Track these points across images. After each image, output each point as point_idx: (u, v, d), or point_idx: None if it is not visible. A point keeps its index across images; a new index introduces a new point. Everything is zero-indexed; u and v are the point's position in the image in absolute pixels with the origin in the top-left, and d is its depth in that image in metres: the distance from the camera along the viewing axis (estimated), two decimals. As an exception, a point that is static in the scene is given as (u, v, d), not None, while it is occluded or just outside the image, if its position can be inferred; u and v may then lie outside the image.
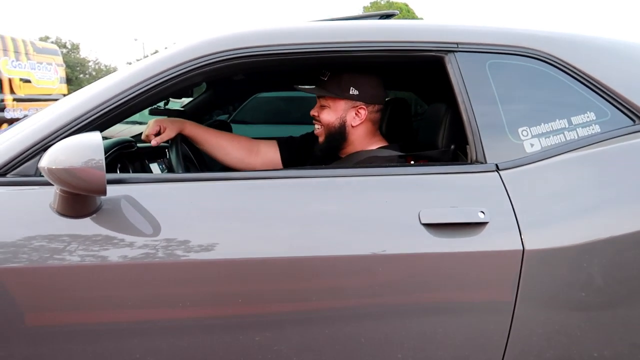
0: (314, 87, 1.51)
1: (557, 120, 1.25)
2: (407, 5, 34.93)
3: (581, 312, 1.16)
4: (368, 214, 1.13)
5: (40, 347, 1.07)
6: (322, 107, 1.51)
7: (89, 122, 1.15)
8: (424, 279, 1.11)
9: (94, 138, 1.00)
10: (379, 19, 1.64)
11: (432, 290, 1.12)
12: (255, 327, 1.12)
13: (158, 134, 1.50)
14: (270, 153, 1.66)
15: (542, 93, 1.28)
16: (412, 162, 1.43)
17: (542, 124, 1.24)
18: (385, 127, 1.77)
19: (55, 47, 8.66)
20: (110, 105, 1.16)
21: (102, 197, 1.08)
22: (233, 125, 4.04)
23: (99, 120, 1.16)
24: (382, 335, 1.12)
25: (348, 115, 1.50)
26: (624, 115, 1.26)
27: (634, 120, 1.26)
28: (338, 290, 1.12)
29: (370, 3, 37.49)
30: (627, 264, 1.15)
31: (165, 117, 2.54)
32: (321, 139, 1.53)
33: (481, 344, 1.14)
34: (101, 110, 1.16)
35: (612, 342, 1.19)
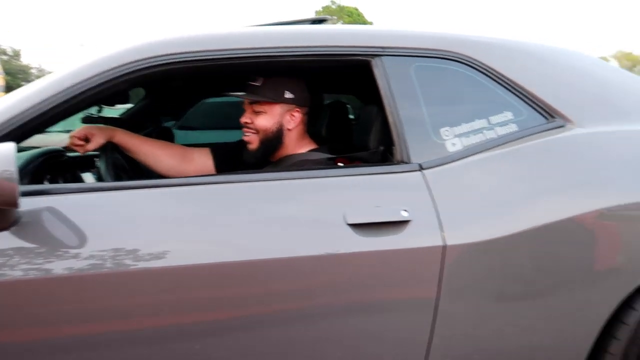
0: (245, 93, 1.51)
1: (477, 120, 1.31)
2: (357, 9, 35.43)
3: (502, 304, 1.22)
4: (295, 217, 1.15)
5: None
6: (257, 112, 1.50)
7: (5, 134, 1.11)
8: (350, 278, 1.14)
9: (6, 148, 0.97)
10: (311, 24, 1.66)
11: (359, 289, 1.15)
12: (189, 336, 1.11)
13: (87, 141, 1.46)
14: (203, 160, 1.65)
15: (463, 94, 1.34)
16: (340, 165, 1.46)
17: (463, 124, 1.29)
18: (325, 130, 1.80)
19: (-8, 54, 8.25)
20: (28, 115, 1.13)
21: (21, 210, 1.04)
22: (180, 132, 3.98)
23: (16, 132, 1.13)
24: (312, 336, 1.14)
25: (284, 120, 1.51)
26: (538, 114, 1.34)
27: (547, 118, 1.34)
28: (267, 295, 1.13)
29: (322, 7, 37.80)
30: (544, 256, 1.22)
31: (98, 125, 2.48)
32: (254, 146, 1.51)
33: (406, 340, 1.18)
34: (18, 121, 1.12)
35: (535, 331, 1.24)
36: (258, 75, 1.49)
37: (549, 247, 1.22)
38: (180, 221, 1.12)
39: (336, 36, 1.36)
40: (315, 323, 1.14)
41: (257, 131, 1.50)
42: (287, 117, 1.51)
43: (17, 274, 1.02)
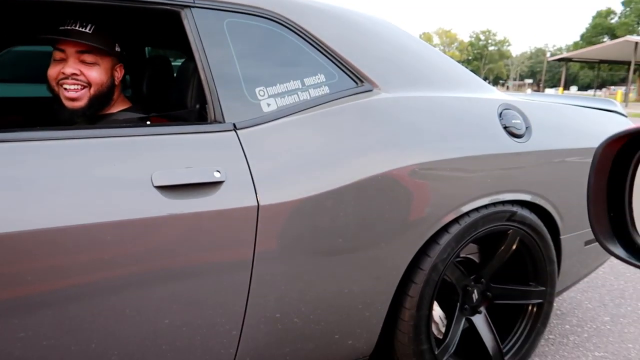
0: (74, 39, 1.30)
1: (292, 81, 1.32)
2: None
3: (316, 260, 1.28)
4: (100, 179, 1.04)
5: None
6: (87, 64, 1.33)
7: None
8: (159, 244, 1.08)
9: None
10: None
11: (170, 255, 1.10)
12: None
13: None
14: None
15: (279, 55, 1.34)
16: (148, 123, 1.37)
17: (278, 84, 1.30)
18: (145, 87, 1.66)
19: None
20: None
21: None
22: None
23: None
24: (124, 307, 1.06)
25: (115, 74, 1.39)
26: (349, 78, 1.41)
27: (356, 83, 1.42)
28: (73, 264, 1.01)
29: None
30: (352, 212, 1.30)
31: None
32: (82, 103, 1.33)
33: (224, 303, 1.17)
34: None
35: (347, 283, 1.34)
36: (82, 22, 1.31)
37: (356, 204, 1.31)
38: None
39: None
40: (125, 293, 1.06)
41: (88, 84, 1.33)
42: (115, 72, 1.40)
43: None
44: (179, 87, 1.54)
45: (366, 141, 1.36)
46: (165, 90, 1.68)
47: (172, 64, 1.93)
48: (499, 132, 1.57)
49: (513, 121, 1.61)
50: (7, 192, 0.97)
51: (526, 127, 1.63)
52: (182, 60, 2.25)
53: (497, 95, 1.77)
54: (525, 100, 1.79)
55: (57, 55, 1.34)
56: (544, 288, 1.71)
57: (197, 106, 1.37)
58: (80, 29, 1.31)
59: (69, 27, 1.30)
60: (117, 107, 1.42)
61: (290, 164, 1.24)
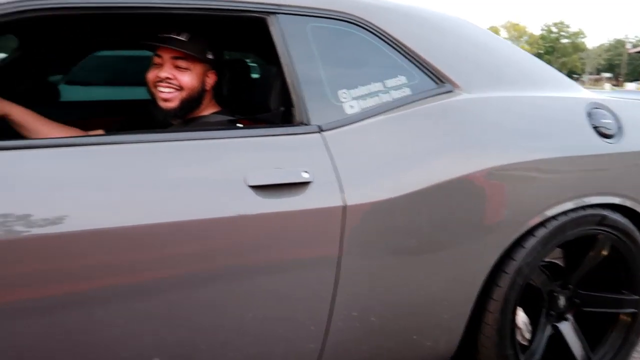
0: (171, 46, 1.40)
1: (373, 83, 1.34)
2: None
3: (400, 258, 1.29)
4: (194, 179, 1.11)
5: None
6: (181, 69, 1.42)
7: None
8: (253, 240, 1.14)
9: None
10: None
11: (262, 250, 1.15)
12: (84, 304, 1.04)
13: None
14: None
15: (360, 57, 1.36)
16: (240, 125, 1.43)
17: (360, 86, 1.32)
18: (226, 90, 1.74)
19: None
20: None
21: None
22: (69, 87, 3.63)
23: None
24: (217, 299, 1.13)
25: (206, 80, 1.48)
26: (430, 79, 1.41)
27: (437, 83, 1.41)
28: (167, 259, 1.09)
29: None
30: (436, 213, 1.30)
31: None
32: (174, 104, 1.43)
33: (312, 297, 1.22)
34: None
35: (430, 282, 1.34)
36: (179, 30, 1.41)
37: (438, 205, 1.30)
38: (76, 184, 1.03)
39: None
40: (220, 285, 1.13)
41: (180, 88, 1.42)
42: (207, 78, 1.48)
43: None
44: (261, 90, 1.60)
45: (448, 142, 1.35)
46: (246, 92, 1.75)
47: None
48: (587, 132, 1.51)
49: (603, 121, 1.54)
50: (119, 191, 1.06)
51: (618, 127, 1.55)
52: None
53: (584, 93, 1.69)
54: (618, 98, 1.69)
55: (156, 60, 1.44)
56: (637, 297, 1.62)
57: (282, 109, 1.42)
58: (177, 36, 1.40)
59: (166, 35, 1.40)
60: (208, 110, 1.50)
61: (374, 165, 1.26)
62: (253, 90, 1.68)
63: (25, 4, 1.07)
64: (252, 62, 3.05)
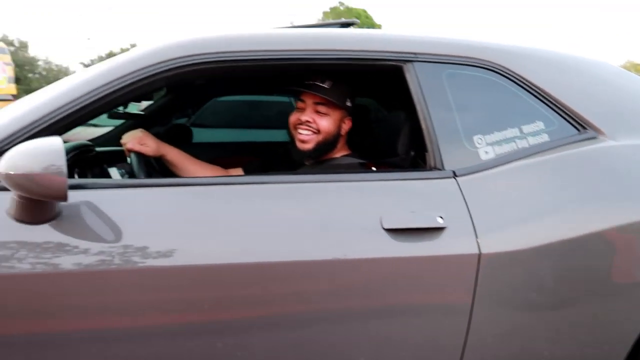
0: (315, 92, 1.48)
1: (509, 129, 1.31)
2: (365, 11, 35.48)
3: (534, 313, 1.22)
4: (330, 220, 1.15)
5: None
6: (320, 114, 1.50)
7: (46, 127, 1.12)
8: (385, 282, 1.15)
9: (55, 143, 0.98)
10: (340, 27, 1.67)
11: (394, 293, 1.16)
12: (218, 333, 1.12)
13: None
14: None
15: (495, 103, 1.35)
16: (374, 169, 1.47)
17: (495, 132, 1.30)
18: (354, 133, 1.81)
19: (2, 45, 8.28)
20: (70, 108, 1.14)
21: (62, 203, 1.05)
22: (193, 129, 3.99)
23: (57, 125, 1.14)
24: (344, 338, 1.15)
25: (342, 125, 1.55)
26: (569, 125, 1.35)
27: (578, 129, 1.34)
28: (300, 295, 1.14)
29: (330, 8, 37.84)
30: (574, 267, 1.22)
31: (121, 124, 2.49)
32: (310, 146, 1.50)
33: (440, 345, 1.19)
34: (59, 114, 1.13)
35: (562, 341, 1.25)
36: (322, 78, 1.49)
37: (581, 258, 1.22)
38: (216, 221, 1.12)
39: (369, 40, 1.37)
40: (351, 325, 1.15)
41: (318, 131, 1.50)
42: (343, 124, 1.55)
43: (62, 264, 1.02)
44: (388, 134, 1.64)
45: (593, 192, 1.27)
46: (372, 136, 1.80)
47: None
48: None
49: None
50: (262, 228, 1.13)
51: None
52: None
53: None
54: None
55: (299, 104, 1.54)
56: None
57: (412, 153, 1.43)
58: (320, 84, 1.49)
59: (311, 82, 1.50)
60: (340, 153, 1.57)
61: (510, 213, 1.22)
62: (380, 134, 1.72)
63: (188, 59, 1.21)
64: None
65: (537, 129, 1.33)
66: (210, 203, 1.15)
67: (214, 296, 1.10)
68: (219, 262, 1.09)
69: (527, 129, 1.33)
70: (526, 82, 1.35)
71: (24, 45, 35.77)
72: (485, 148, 1.29)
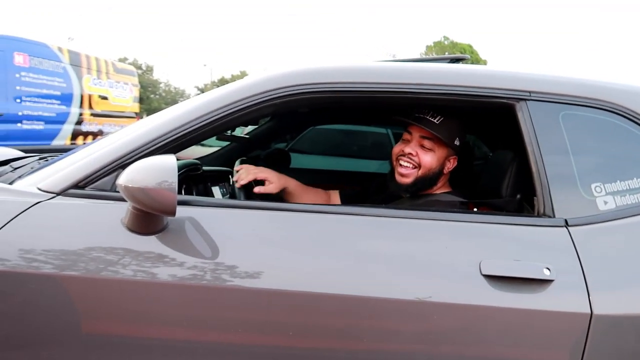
0: (424, 126, 1.45)
1: (635, 178, 1.18)
2: (470, 46, 34.78)
3: None
4: (426, 258, 1.11)
5: (90, 355, 1.11)
6: (425, 148, 1.46)
7: (163, 145, 1.21)
8: (480, 331, 1.07)
9: (170, 161, 1.05)
10: (450, 62, 1.64)
11: (488, 344, 1.07)
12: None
13: (261, 182, 1.55)
14: (334, 202, 1.73)
15: (619, 148, 1.23)
16: (475, 210, 1.39)
17: (618, 181, 1.18)
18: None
19: (132, 68, 9.25)
20: (185, 130, 1.22)
21: (170, 218, 1.12)
22: (291, 154, 4.12)
23: (173, 144, 1.22)
24: None
25: (446, 163, 1.50)
26: None
27: None
28: (388, 333, 1.09)
29: (434, 43, 37.62)
30: None
31: (227, 145, 2.63)
32: (409, 180, 1.47)
33: None
34: (175, 135, 1.21)
35: None
36: (434, 112, 1.47)
37: None
38: (310, 248, 1.13)
39: (481, 77, 1.31)
40: None
41: (418, 166, 1.46)
42: (447, 162, 1.50)
43: (159, 275, 1.08)
44: (492, 174, 1.55)
45: None
46: (475, 175, 1.72)
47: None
48: None
49: None
50: (353, 261, 1.11)
51: None
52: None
53: None
54: None
55: (405, 136, 1.51)
56: None
57: (518, 196, 1.34)
58: (430, 118, 1.45)
59: (421, 115, 1.46)
60: (440, 190, 1.51)
61: (631, 272, 1.09)
62: (482, 173, 1.64)
63: (301, 88, 1.25)
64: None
65: (668, 180, 1.18)
66: (305, 230, 1.15)
67: (298, 323, 1.10)
68: (306, 290, 1.08)
69: (656, 179, 1.19)
70: (656, 127, 1.21)
71: (150, 69, 39.73)
72: (605, 197, 1.17)
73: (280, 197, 1.65)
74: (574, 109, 1.25)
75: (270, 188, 1.53)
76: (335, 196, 1.75)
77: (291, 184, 1.61)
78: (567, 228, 1.13)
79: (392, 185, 1.51)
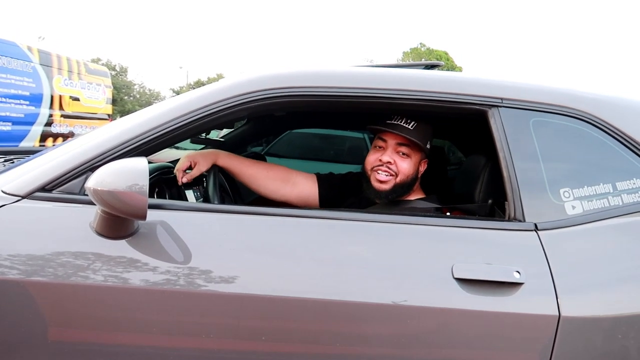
0: (400, 133, 1.44)
1: (602, 184, 1.22)
2: (446, 54, 35.35)
3: None
4: (400, 262, 1.11)
5: None
6: (402, 155, 1.46)
7: (135, 147, 1.19)
8: (452, 334, 1.08)
9: (140, 163, 1.03)
10: (424, 68, 1.66)
11: (459, 346, 1.08)
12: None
13: (189, 169, 1.53)
14: (308, 187, 1.63)
15: (587, 155, 1.26)
16: (448, 214, 1.41)
17: (586, 186, 1.21)
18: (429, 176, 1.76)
19: (105, 69, 9.08)
20: (157, 132, 1.20)
21: (141, 222, 1.10)
22: (267, 158, 4.11)
23: (145, 146, 1.20)
24: None
25: (419, 168, 1.51)
26: (672, 185, 1.22)
27: (683, 191, 1.21)
28: (362, 337, 1.09)
29: (411, 49, 38.10)
30: None
31: (201, 148, 2.61)
32: (387, 187, 1.46)
33: None
34: (148, 137, 1.19)
35: None
36: (407, 118, 1.46)
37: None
38: (284, 252, 1.12)
39: (454, 83, 1.33)
40: None
41: (396, 174, 1.46)
42: (419, 166, 1.51)
43: (131, 280, 1.06)
44: (464, 179, 1.58)
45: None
46: (447, 180, 1.74)
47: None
48: None
49: None
50: (328, 265, 1.11)
51: None
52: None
53: None
54: None
55: (379, 143, 1.50)
56: None
57: (489, 201, 1.37)
58: (404, 124, 1.45)
59: (395, 122, 1.46)
60: (414, 196, 1.52)
61: (598, 275, 1.12)
62: (455, 177, 1.66)
63: (273, 92, 1.24)
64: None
65: (634, 186, 1.22)
66: (279, 234, 1.15)
67: (271, 328, 1.09)
68: (279, 295, 1.08)
69: (621, 185, 1.22)
70: (624, 136, 1.25)
71: (124, 70, 39.06)
72: (573, 202, 1.19)
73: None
74: (544, 115, 1.27)
75: (195, 172, 1.51)
76: (307, 179, 1.65)
77: (222, 158, 1.55)
78: (536, 232, 1.15)
79: (369, 192, 1.49)
